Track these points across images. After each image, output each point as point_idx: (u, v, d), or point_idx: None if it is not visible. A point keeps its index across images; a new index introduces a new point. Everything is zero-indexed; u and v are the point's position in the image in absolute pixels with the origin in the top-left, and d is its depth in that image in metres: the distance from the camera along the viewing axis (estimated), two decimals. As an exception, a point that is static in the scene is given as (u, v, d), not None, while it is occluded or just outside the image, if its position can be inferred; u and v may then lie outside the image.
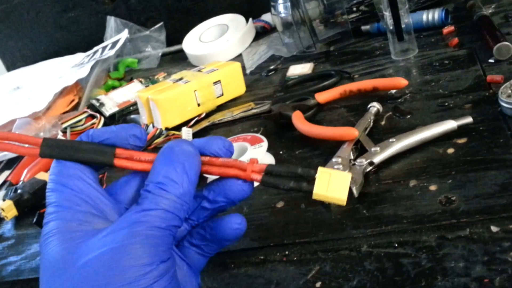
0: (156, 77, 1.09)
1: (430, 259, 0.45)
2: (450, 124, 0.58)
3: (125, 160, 0.39)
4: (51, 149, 0.38)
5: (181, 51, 1.19)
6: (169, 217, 0.36)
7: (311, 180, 0.39)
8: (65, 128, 0.89)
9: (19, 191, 0.71)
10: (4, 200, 0.71)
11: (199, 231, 0.44)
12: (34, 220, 0.69)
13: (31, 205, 0.72)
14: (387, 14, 0.77)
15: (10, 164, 0.90)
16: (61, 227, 0.36)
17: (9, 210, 0.69)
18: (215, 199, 0.42)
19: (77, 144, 0.39)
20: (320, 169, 0.39)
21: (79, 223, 0.36)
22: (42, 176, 0.73)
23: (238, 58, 1.08)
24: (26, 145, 0.40)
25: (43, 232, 0.36)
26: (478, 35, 0.78)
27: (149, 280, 0.34)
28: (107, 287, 0.33)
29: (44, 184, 0.72)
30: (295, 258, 0.50)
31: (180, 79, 0.87)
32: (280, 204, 0.58)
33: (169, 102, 0.82)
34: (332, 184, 0.38)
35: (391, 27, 0.78)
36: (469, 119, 0.58)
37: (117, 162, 0.39)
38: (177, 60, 1.21)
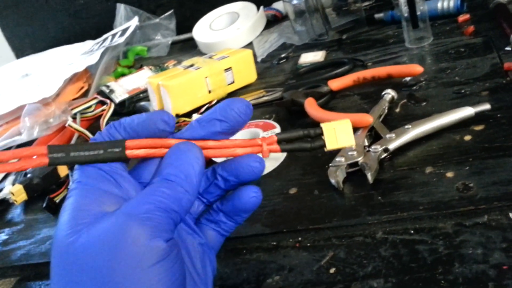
0: (166, 65, 1.09)
1: (447, 246, 0.44)
2: (467, 111, 0.57)
3: (138, 149, 0.39)
4: (58, 155, 0.37)
5: (191, 39, 1.19)
6: (170, 202, 0.36)
7: (319, 137, 0.42)
8: (75, 114, 0.88)
9: (28, 175, 0.71)
10: (13, 184, 0.71)
11: (216, 206, 0.44)
12: (44, 205, 0.68)
13: (41, 190, 0.71)
14: (402, 1, 0.76)
15: (20, 149, 0.90)
16: (76, 203, 0.36)
17: (19, 194, 0.69)
18: (227, 178, 0.42)
19: (83, 145, 0.38)
20: (323, 125, 0.41)
21: (93, 201, 0.36)
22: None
23: (249, 46, 1.07)
24: (34, 157, 0.38)
25: (63, 206, 0.37)
26: (494, 23, 0.77)
27: (150, 260, 0.33)
28: (107, 269, 0.33)
29: (54, 169, 0.71)
30: (308, 244, 0.49)
31: (191, 65, 0.86)
32: (293, 191, 0.57)
33: (180, 89, 0.81)
34: (339, 135, 0.41)
35: (406, 15, 0.77)
36: (487, 106, 0.57)
37: (130, 153, 0.39)
38: (187, 48, 1.20)
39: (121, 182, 0.38)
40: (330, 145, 0.41)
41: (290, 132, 0.42)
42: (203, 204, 0.45)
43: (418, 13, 0.76)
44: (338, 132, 0.41)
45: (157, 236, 0.34)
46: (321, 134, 0.41)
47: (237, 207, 0.43)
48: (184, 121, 0.80)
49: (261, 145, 0.41)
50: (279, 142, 0.42)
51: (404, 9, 0.77)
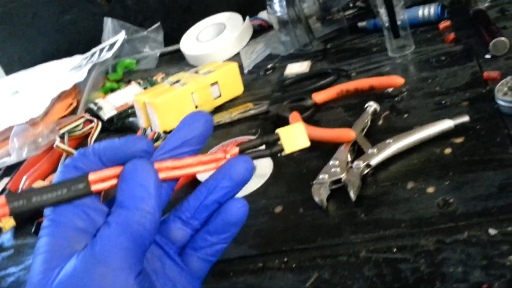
0: (154, 78, 1.09)
1: (429, 264, 0.44)
2: (447, 124, 0.57)
3: (102, 182, 0.38)
4: (20, 203, 0.36)
5: (179, 50, 1.19)
6: (130, 234, 0.35)
7: (276, 142, 0.43)
8: (63, 133, 0.89)
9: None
10: (3, 210, 0.71)
11: (202, 230, 0.43)
12: (33, 229, 0.69)
13: (29, 214, 0.72)
14: (382, 11, 0.77)
15: (9, 171, 0.90)
16: (48, 244, 0.35)
17: (7, 221, 0.69)
18: (219, 186, 0.41)
19: (45, 187, 0.36)
20: (278, 131, 0.43)
21: (66, 241, 0.35)
22: (40, 184, 0.73)
23: (236, 57, 1.07)
24: None
25: (35, 247, 0.36)
26: (474, 30, 0.77)
27: None
28: None
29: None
30: (293, 265, 0.50)
31: (177, 81, 0.86)
32: (278, 209, 0.58)
33: (166, 106, 0.81)
34: (295, 138, 0.43)
35: (386, 24, 0.78)
36: (465, 118, 0.57)
37: (95, 188, 0.37)
38: (175, 60, 1.21)
39: (92, 215, 0.37)
40: (287, 148, 0.43)
41: (250, 142, 0.43)
42: (192, 230, 0.43)
43: (399, 22, 0.77)
44: (294, 136, 0.43)
45: (124, 275, 0.34)
46: (278, 139, 0.43)
47: (226, 222, 0.42)
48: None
49: (224, 157, 0.41)
50: (241, 152, 0.42)
51: (385, 19, 0.77)
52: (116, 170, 0.38)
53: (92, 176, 0.38)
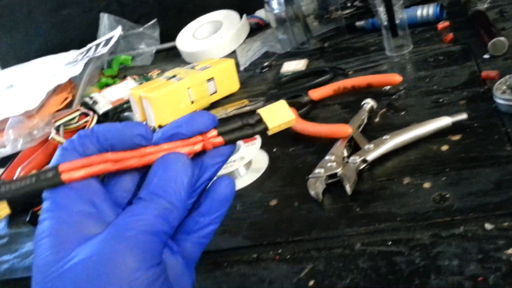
0: (150, 74, 1.09)
1: (424, 257, 0.44)
2: (444, 121, 0.57)
3: (74, 170, 0.36)
4: None
5: (175, 48, 1.19)
6: (159, 223, 0.35)
7: (259, 122, 0.40)
8: (58, 126, 0.88)
9: (11, 190, 0.71)
10: (-4, 199, 0.71)
11: (193, 214, 0.42)
12: (28, 218, 0.68)
13: (24, 204, 0.71)
14: (381, 9, 0.77)
15: (4, 162, 0.90)
16: (54, 228, 0.34)
17: (2, 208, 0.68)
18: (211, 163, 0.41)
19: (15, 180, 0.35)
20: (260, 111, 0.40)
21: (73, 225, 0.35)
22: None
23: (232, 54, 1.07)
24: None
25: (38, 231, 0.35)
26: (473, 31, 0.77)
27: (139, 287, 0.32)
28: None
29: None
30: (288, 257, 0.50)
31: (173, 76, 0.86)
32: (273, 202, 0.57)
33: (162, 100, 0.81)
34: (278, 114, 0.40)
35: (385, 23, 0.78)
36: (463, 116, 0.57)
37: (66, 177, 0.36)
38: (171, 57, 1.20)
39: (96, 201, 0.37)
40: (271, 124, 0.40)
41: (229, 124, 0.41)
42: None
43: (397, 21, 0.77)
44: (276, 112, 0.40)
45: (147, 263, 0.33)
46: (260, 119, 0.40)
47: (215, 199, 0.41)
48: (167, 132, 0.80)
49: (202, 140, 0.39)
50: (220, 135, 0.40)
51: (383, 18, 0.77)
52: (89, 159, 0.37)
53: (64, 166, 0.36)
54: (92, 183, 0.37)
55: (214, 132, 0.40)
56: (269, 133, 0.40)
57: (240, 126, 0.41)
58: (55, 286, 0.33)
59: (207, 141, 0.40)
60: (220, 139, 0.40)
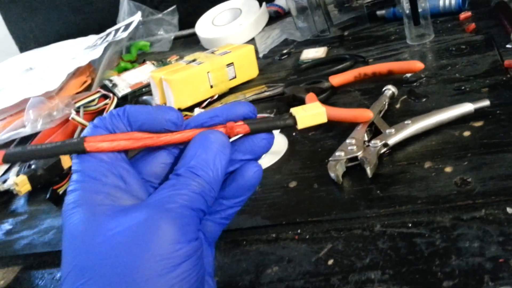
0: (168, 59, 1.09)
1: (444, 239, 0.44)
2: (467, 107, 0.57)
3: (99, 142, 0.37)
4: (15, 150, 0.36)
5: (193, 35, 1.19)
6: (199, 200, 0.35)
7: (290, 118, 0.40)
8: (78, 107, 0.89)
9: (33, 166, 0.72)
10: (17, 175, 0.71)
11: (217, 196, 0.42)
12: (48, 196, 0.69)
13: (44, 181, 0.72)
14: (404, -2, 0.77)
15: (24, 142, 0.91)
16: (86, 198, 0.35)
17: (23, 185, 0.69)
18: (241, 158, 0.41)
19: (41, 143, 0.36)
20: (292, 110, 0.40)
21: (106, 196, 0.35)
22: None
23: (251, 42, 1.07)
24: None
25: (67, 201, 0.35)
26: (495, 21, 0.77)
27: (177, 259, 0.32)
28: (133, 263, 0.32)
29: (57, 160, 0.72)
30: (307, 237, 0.50)
31: (193, 60, 0.86)
32: (292, 184, 0.58)
33: (182, 83, 0.81)
34: (309, 113, 0.40)
35: (407, 11, 0.78)
36: (486, 102, 0.57)
37: (91, 146, 0.37)
38: (189, 43, 1.21)
39: (125, 176, 0.37)
40: (301, 124, 0.40)
41: (259, 119, 0.41)
42: None
43: (420, 10, 0.77)
44: (309, 112, 0.40)
45: (187, 236, 0.33)
46: (291, 115, 0.40)
47: (241, 186, 0.41)
48: (186, 115, 0.80)
49: (225, 126, 0.39)
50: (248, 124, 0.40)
51: (406, 6, 0.77)
52: (116, 135, 0.37)
53: (90, 138, 0.37)
54: (120, 159, 0.38)
55: (240, 122, 0.40)
56: (298, 127, 0.40)
57: (270, 120, 0.41)
58: (93, 255, 0.32)
59: (232, 129, 0.39)
60: (245, 126, 0.40)
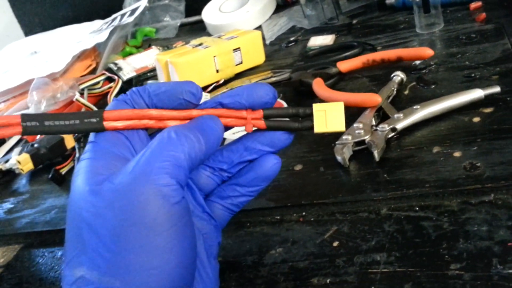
0: (174, 45, 1.09)
1: (452, 222, 0.44)
2: (477, 93, 0.56)
3: (116, 121, 0.37)
4: (32, 124, 0.36)
5: (200, 22, 1.18)
6: (183, 154, 0.35)
7: (309, 117, 0.40)
8: (83, 89, 0.88)
9: (36, 145, 0.71)
10: (20, 154, 0.71)
11: (232, 182, 0.44)
12: (50, 176, 0.68)
13: (47, 160, 0.71)
14: (414, -15, 0.76)
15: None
16: (89, 166, 0.35)
17: (26, 163, 0.69)
18: (261, 149, 0.42)
19: (59, 114, 0.36)
20: (314, 106, 0.40)
21: (108, 166, 0.35)
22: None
23: (258, 29, 1.06)
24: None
25: (76, 168, 0.36)
26: (506, 11, 0.76)
27: (163, 226, 0.33)
28: (117, 233, 0.32)
29: (61, 140, 0.71)
30: (312, 219, 0.49)
31: (200, 44, 0.86)
32: (298, 167, 0.57)
33: (188, 66, 0.81)
34: (330, 118, 0.39)
35: (417, 0, 0.77)
36: (496, 89, 0.56)
37: (108, 125, 0.37)
38: (195, 30, 1.20)
39: (138, 148, 0.38)
40: (318, 128, 0.40)
41: (279, 109, 0.41)
42: (220, 179, 0.44)
43: (430, -2, 0.76)
44: (329, 115, 0.39)
45: (171, 198, 0.33)
46: (311, 114, 0.40)
47: (258, 176, 0.42)
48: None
49: (245, 117, 0.40)
50: (266, 118, 0.40)
51: (416, -6, 0.76)
52: (133, 112, 0.38)
53: (107, 114, 0.37)
54: (139, 133, 0.39)
55: (261, 113, 0.40)
56: (314, 132, 0.40)
57: (289, 114, 0.41)
58: (91, 206, 0.33)
59: (249, 122, 0.40)
60: (261, 123, 0.40)
